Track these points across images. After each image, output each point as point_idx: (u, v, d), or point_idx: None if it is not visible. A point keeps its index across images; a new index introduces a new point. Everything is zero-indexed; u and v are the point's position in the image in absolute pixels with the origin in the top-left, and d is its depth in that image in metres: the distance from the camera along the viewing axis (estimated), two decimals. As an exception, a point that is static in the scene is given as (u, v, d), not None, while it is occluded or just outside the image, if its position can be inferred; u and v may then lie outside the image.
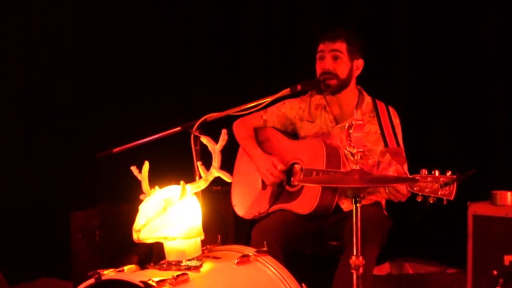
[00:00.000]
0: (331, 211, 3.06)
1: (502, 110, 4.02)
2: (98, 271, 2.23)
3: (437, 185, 2.48)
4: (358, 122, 2.16)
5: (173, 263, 2.34)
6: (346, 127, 2.19)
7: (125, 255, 3.96)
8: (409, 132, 3.95)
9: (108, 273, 2.25)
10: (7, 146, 4.65)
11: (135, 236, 2.33)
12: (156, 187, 2.42)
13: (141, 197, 2.42)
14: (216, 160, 2.40)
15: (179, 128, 2.74)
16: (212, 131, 2.58)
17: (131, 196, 2.61)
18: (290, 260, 2.83)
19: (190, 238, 2.35)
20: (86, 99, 4.86)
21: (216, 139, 2.41)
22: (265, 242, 2.56)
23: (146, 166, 2.41)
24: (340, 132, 3.16)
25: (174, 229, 2.31)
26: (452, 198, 2.47)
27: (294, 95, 3.09)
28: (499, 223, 3.27)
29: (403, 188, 2.69)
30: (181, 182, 2.37)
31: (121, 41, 4.91)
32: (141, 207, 2.37)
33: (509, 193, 3.35)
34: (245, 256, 2.45)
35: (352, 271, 2.22)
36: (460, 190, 2.49)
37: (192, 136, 2.64)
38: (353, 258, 2.20)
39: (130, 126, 4.57)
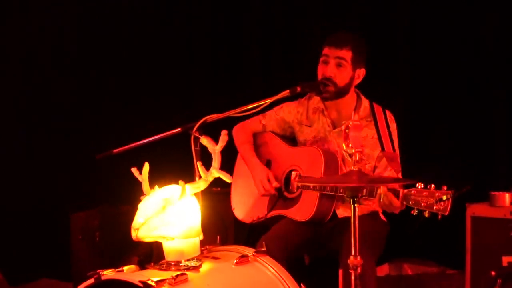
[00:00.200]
0: (328, 218, 3.07)
1: (502, 110, 4.01)
2: (98, 271, 2.25)
3: (432, 199, 2.50)
4: (355, 122, 2.16)
5: (172, 263, 2.36)
6: (343, 128, 2.19)
7: (125, 256, 3.96)
8: (409, 132, 3.98)
9: (108, 273, 2.26)
10: (7, 146, 4.66)
11: (133, 234, 2.34)
12: (156, 186, 2.42)
13: (142, 198, 2.43)
14: (216, 161, 2.41)
15: (179, 129, 2.74)
16: (212, 132, 2.58)
17: (131, 197, 2.61)
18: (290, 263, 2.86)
19: (189, 238, 2.36)
20: (86, 99, 4.87)
21: (216, 140, 2.42)
22: (264, 243, 2.56)
23: (146, 167, 2.42)
24: (337, 137, 3.14)
25: (172, 229, 2.33)
26: (447, 214, 2.49)
27: (293, 97, 3.09)
28: (497, 224, 3.26)
29: (396, 201, 2.69)
30: (180, 182, 2.38)
31: (121, 41, 4.91)
32: (141, 206, 2.38)
33: (507, 195, 3.34)
34: (244, 256, 2.47)
35: (350, 271, 2.23)
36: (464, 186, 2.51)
37: (192, 137, 2.64)
38: (351, 258, 2.21)
39: (130, 126, 4.58)
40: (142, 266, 2.42)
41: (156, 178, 2.48)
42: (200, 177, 2.44)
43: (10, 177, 4.58)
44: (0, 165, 4.59)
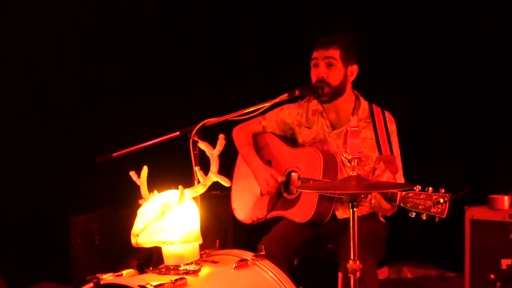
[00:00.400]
0: (327, 219, 3.08)
1: (502, 110, 4.02)
2: (97, 275, 2.25)
3: (430, 202, 2.52)
4: (353, 128, 2.16)
5: (172, 267, 2.35)
6: (343, 133, 2.20)
7: (125, 260, 3.98)
8: (409, 132, 3.98)
9: (107, 278, 2.26)
10: (7, 146, 4.66)
11: (133, 240, 2.33)
12: (155, 191, 2.42)
13: (140, 201, 2.43)
14: (214, 165, 2.40)
15: (177, 133, 2.74)
16: (211, 135, 2.58)
17: (130, 201, 2.61)
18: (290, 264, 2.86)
19: (188, 242, 2.36)
20: (86, 99, 4.86)
21: (214, 144, 2.41)
22: (263, 246, 2.57)
23: (144, 170, 2.42)
24: (336, 138, 3.16)
25: (172, 234, 2.32)
26: (444, 216, 2.51)
27: (292, 100, 3.09)
28: (496, 227, 3.28)
29: (386, 204, 2.72)
30: (179, 186, 2.38)
31: (121, 41, 4.92)
32: (140, 212, 2.37)
33: (506, 198, 3.35)
34: (243, 260, 2.46)
35: (349, 275, 2.23)
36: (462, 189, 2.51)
37: (191, 141, 2.64)
38: (350, 262, 2.21)
39: (130, 126, 4.60)
40: (141, 270, 2.42)
41: (155, 182, 2.48)
42: (198, 181, 2.43)
43: (10, 178, 4.57)
44: (0, 165, 4.58)
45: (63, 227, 4.40)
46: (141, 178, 2.42)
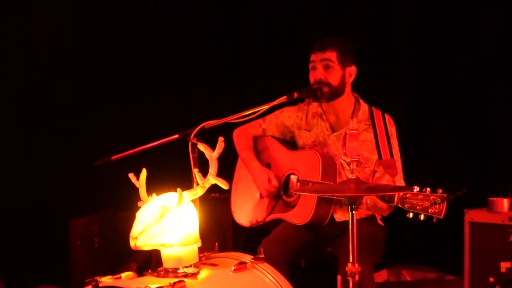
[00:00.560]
0: (326, 222, 3.08)
1: (502, 110, 4.02)
2: (96, 278, 2.25)
3: (427, 203, 2.52)
4: (352, 131, 2.16)
5: (170, 270, 2.35)
6: (342, 136, 2.20)
7: (124, 262, 3.98)
8: (409, 132, 3.98)
9: (106, 280, 2.27)
10: (7, 146, 4.66)
11: (132, 243, 2.34)
12: (154, 194, 2.42)
13: (139, 204, 2.43)
14: (213, 167, 2.41)
15: (177, 135, 2.74)
16: (210, 137, 2.58)
17: (130, 203, 2.61)
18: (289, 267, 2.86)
19: (187, 245, 2.36)
20: (86, 99, 4.86)
21: (213, 146, 2.41)
22: (262, 249, 2.56)
23: (143, 173, 2.42)
24: (336, 140, 3.16)
25: (171, 236, 2.32)
26: (442, 217, 2.51)
27: (292, 102, 3.10)
28: (495, 230, 3.28)
29: (382, 204, 2.72)
30: (178, 189, 2.38)
31: (121, 41, 4.91)
32: (139, 214, 2.38)
33: (505, 200, 3.35)
34: (242, 263, 2.45)
35: (348, 278, 2.23)
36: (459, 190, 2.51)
37: (190, 143, 2.64)
38: (349, 265, 2.21)
39: (130, 126, 4.60)
40: (140, 273, 2.42)
41: (154, 184, 2.48)
42: (197, 183, 2.43)
43: (9, 178, 4.57)
44: (0, 165, 4.59)
45: (62, 229, 4.40)
46: (140, 181, 2.42)
